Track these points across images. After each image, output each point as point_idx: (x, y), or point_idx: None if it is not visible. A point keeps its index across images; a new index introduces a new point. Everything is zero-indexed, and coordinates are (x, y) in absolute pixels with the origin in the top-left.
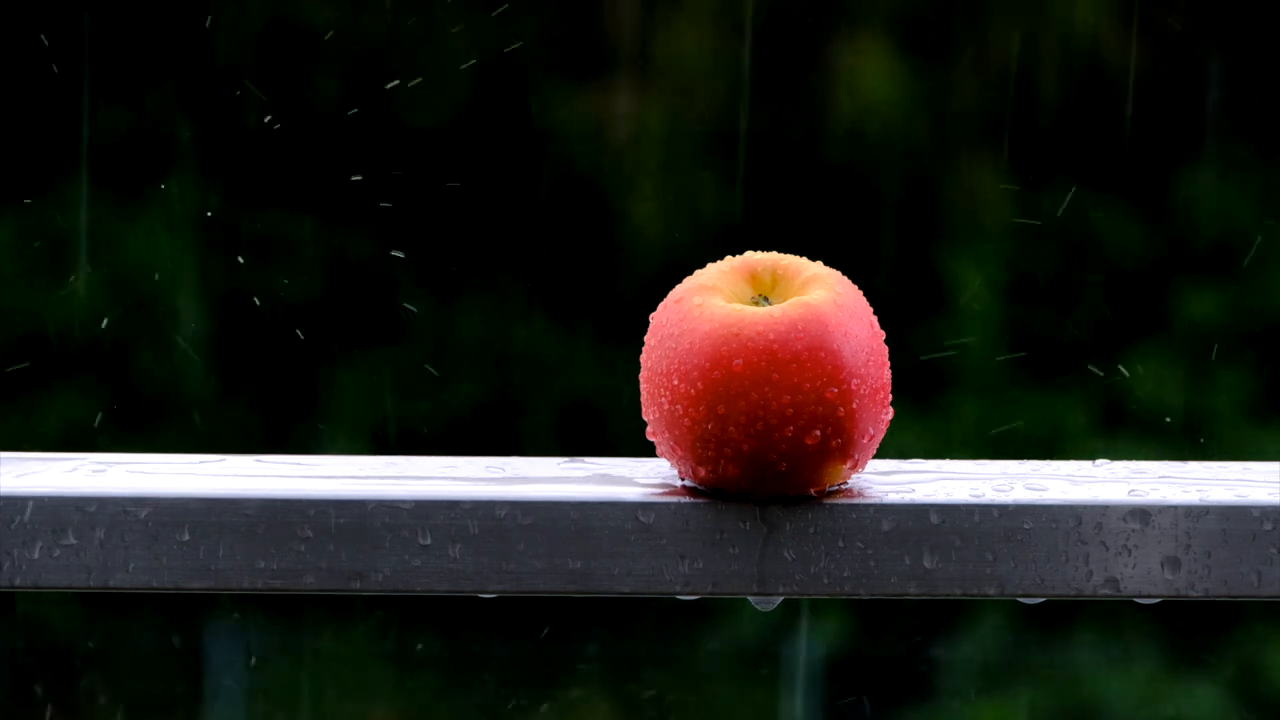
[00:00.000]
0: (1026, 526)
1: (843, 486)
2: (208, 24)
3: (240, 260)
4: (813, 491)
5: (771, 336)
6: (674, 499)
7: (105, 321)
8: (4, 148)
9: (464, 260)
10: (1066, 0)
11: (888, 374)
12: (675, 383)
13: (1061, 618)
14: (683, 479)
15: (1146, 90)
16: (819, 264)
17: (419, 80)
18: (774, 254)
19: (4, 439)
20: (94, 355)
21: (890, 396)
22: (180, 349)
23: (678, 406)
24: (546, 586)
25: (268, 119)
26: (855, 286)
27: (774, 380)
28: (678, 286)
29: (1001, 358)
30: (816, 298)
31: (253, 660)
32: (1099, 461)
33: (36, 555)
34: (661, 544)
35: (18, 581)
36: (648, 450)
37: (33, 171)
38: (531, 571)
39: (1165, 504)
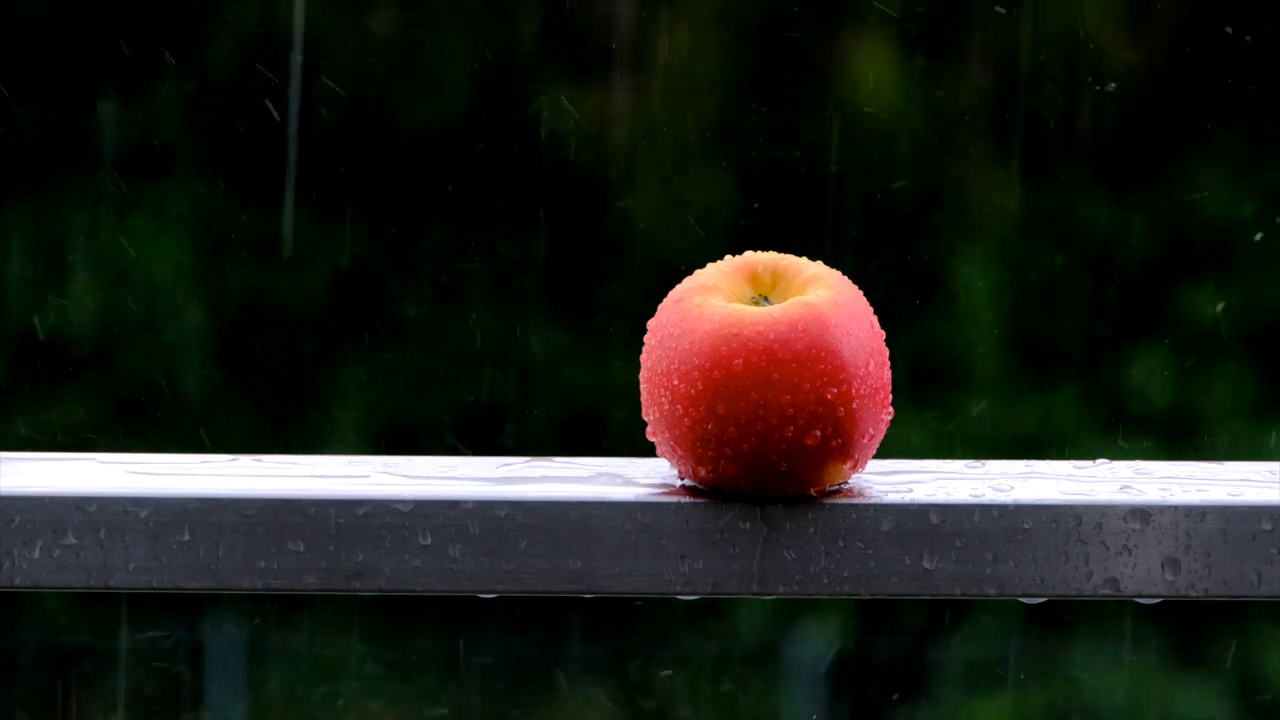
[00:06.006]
0: (1026, 526)
1: (843, 486)
2: (210, 22)
3: (241, 260)
4: (813, 491)
5: (771, 336)
6: (674, 499)
7: (105, 321)
8: (4, 147)
9: (464, 260)
10: None
11: (888, 374)
12: (675, 383)
13: (1061, 618)
14: (683, 479)
15: (1147, 88)
16: (819, 264)
17: (419, 80)
18: (774, 254)
19: (4, 439)
20: (94, 355)
21: (890, 396)
22: (181, 349)
23: (678, 406)
24: (546, 586)
25: (269, 119)
26: (855, 286)
27: (774, 380)
28: (678, 286)
29: (1002, 357)
30: (816, 298)
31: (253, 660)
32: (1099, 461)
33: (36, 555)
34: (661, 544)
35: (18, 581)
36: (648, 450)
37: (33, 171)
38: (531, 571)
39: (1165, 504)
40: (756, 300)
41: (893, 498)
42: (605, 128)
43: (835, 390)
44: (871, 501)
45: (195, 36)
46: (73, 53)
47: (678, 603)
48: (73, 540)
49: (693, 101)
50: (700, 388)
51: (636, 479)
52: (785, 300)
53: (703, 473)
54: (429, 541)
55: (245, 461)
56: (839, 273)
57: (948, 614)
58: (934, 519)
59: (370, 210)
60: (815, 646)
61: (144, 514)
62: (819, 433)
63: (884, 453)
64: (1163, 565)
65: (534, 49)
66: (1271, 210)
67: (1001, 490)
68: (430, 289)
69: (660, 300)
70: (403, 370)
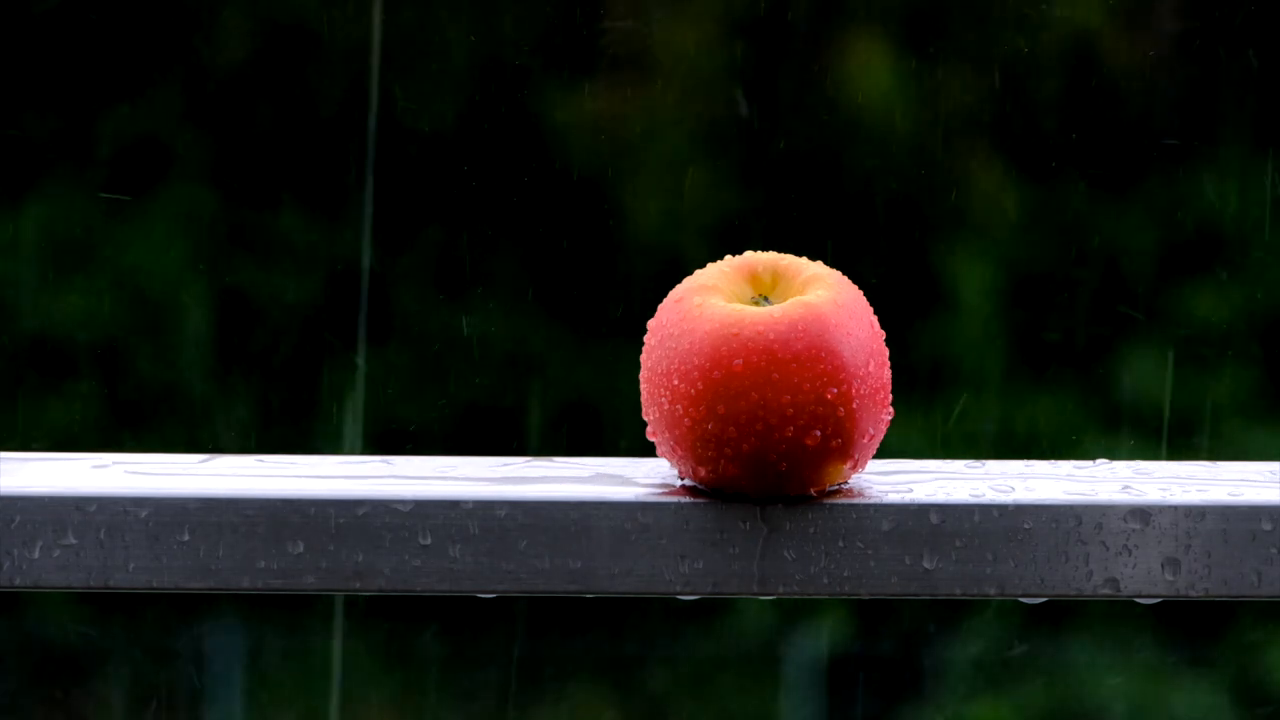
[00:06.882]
0: (1026, 526)
1: (843, 486)
2: (209, 24)
3: (241, 261)
4: (813, 491)
5: (771, 336)
6: (674, 499)
7: (106, 322)
8: (5, 148)
9: (464, 260)
10: None
11: (888, 374)
12: (675, 383)
13: (1061, 618)
14: (683, 479)
15: (1146, 87)
16: (819, 264)
17: (419, 80)
18: (774, 254)
19: (4, 439)
20: (94, 355)
21: (890, 396)
22: (180, 349)
23: (678, 406)
24: (546, 586)
25: (269, 119)
26: (855, 286)
27: (774, 380)
28: (678, 286)
29: (1001, 357)
30: (816, 298)
31: (253, 660)
32: (1099, 461)
33: (36, 555)
34: (661, 544)
35: (18, 581)
36: (648, 450)
37: (34, 172)
38: (531, 571)
39: (1165, 504)
40: (756, 300)
41: (893, 498)
42: (605, 127)
43: (835, 390)
44: (871, 501)
45: (195, 36)
46: (73, 53)
47: (678, 602)
48: (73, 540)
49: (692, 101)
50: (700, 388)
51: (636, 479)
52: (785, 300)
53: (703, 473)
54: (429, 541)
55: (245, 461)
56: (839, 272)
57: (948, 614)
58: (934, 519)
59: (370, 210)
60: (815, 646)
61: (144, 514)
62: (819, 433)
63: (884, 452)
64: (1163, 565)
65: (534, 48)
66: (1271, 209)
67: (1001, 490)
68: (430, 289)
69: (660, 300)
70: (402, 370)
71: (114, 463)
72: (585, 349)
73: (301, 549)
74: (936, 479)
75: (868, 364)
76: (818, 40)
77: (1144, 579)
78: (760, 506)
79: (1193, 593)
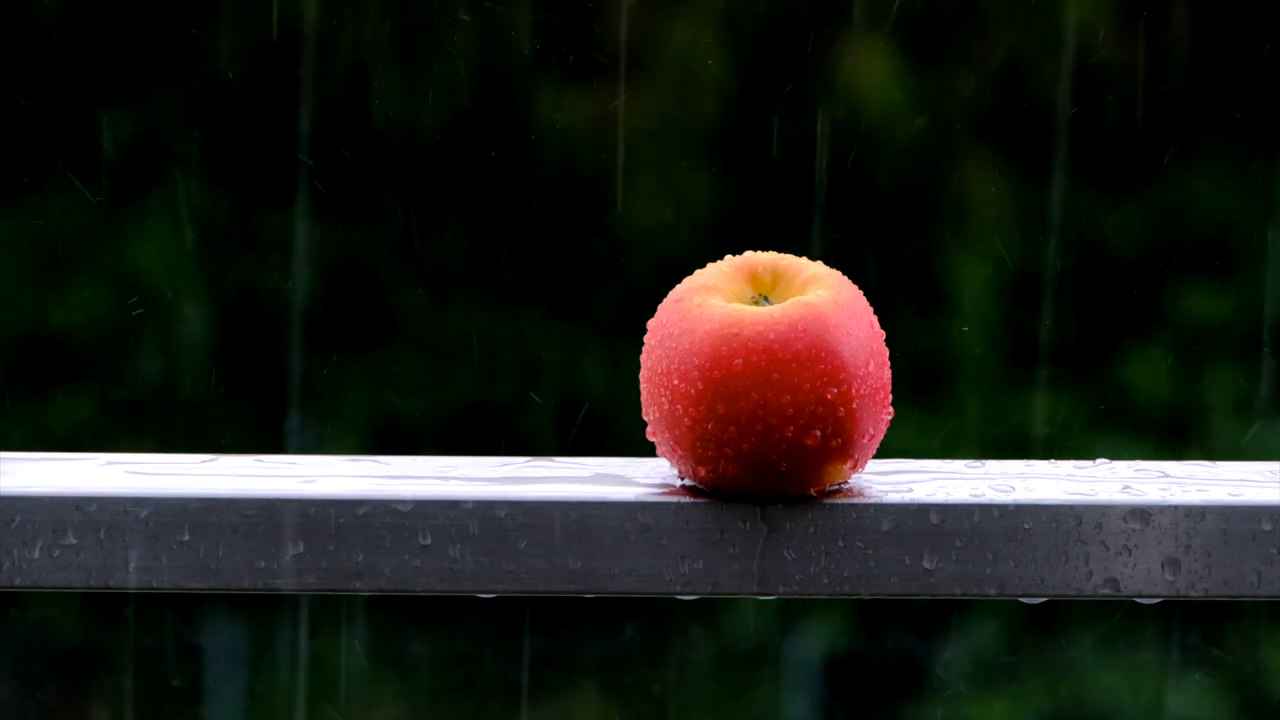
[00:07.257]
0: (1026, 526)
1: (843, 486)
2: (209, 25)
3: (240, 260)
4: (813, 491)
5: (771, 336)
6: (674, 499)
7: (106, 322)
8: (5, 147)
9: (464, 260)
10: None
11: (888, 374)
12: (675, 382)
13: (1061, 618)
14: (683, 479)
15: (1144, 88)
16: (819, 264)
17: (418, 80)
18: (774, 254)
19: (5, 439)
20: (94, 355)
21: (890, 396)
22: (180, 349)
23: (678, 406)
24: (546, 586)
25: (268, 120)
26: (855, 286)
27: (774, 380)
28: (678, 286)
29: (1001, 357)
30: (816, 298)
31: (253, 660)
32: (1099, 461)
33: (36, 555)
34: (661, 544)
35: (18, 581)
36: (648, 450)
37: (34, 172)
38: (531, 571)
39: (1165, 504)
40: (756, 300)
41: (893, 498)
42: (605, 128)
43: (835, 390)
44: (871, 501)
45: (195, 39)
46: (74, 55)
47: (677, 602)
48: (73, 540)
49: (691, 102)
50: (700, 387)
51: (636, 479)
52: (785, 300)
53: (703, 473)
54: (429, 541)
55: (245, 461)
56: (839, 273)
57: (947, 614)
58: (934, 519)
59: (370, 211)
60: (815, 646)
61: (144, 514)
62: (819, 433)
63: (884, 452)
64: (1163, 565)
65: (533, 50)
66: (1270, 209)
67: (1001, 490)
68: (429, 289)
69: (660, 300)
70: (402, 370)
71: (114, 463)
72: (585, 349)
73: (301, 549)
74: (936, 479)
75: (868, 364)
76: (818, 40)
77: (1144, 579)
78: (760, 506)
79: (1193, 593)
